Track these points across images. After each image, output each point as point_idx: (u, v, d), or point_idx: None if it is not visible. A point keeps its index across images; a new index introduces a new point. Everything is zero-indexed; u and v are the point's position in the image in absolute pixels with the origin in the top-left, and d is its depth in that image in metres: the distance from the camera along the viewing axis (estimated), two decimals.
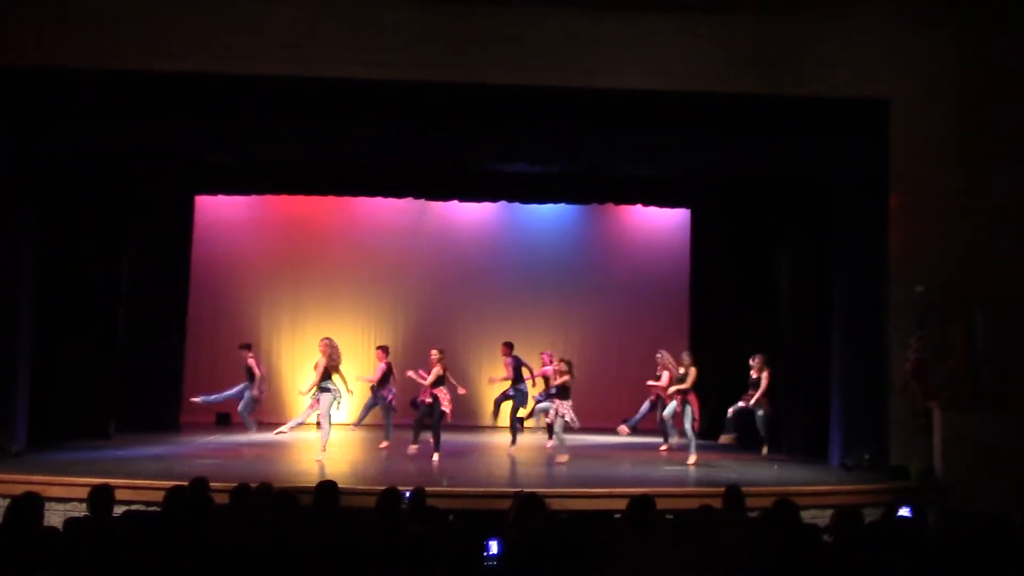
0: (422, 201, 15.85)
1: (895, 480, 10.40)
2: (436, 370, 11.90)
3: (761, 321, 14.15)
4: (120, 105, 11.27)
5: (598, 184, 14.73)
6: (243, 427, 13.24)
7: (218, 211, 15.81)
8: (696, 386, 12.09)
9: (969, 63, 11.17)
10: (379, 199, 15.76)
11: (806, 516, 7.35)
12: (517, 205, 15.95)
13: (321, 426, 11.45)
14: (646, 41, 11.17)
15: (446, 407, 11.80)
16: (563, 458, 11.54)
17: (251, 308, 16.09)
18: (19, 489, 6.11)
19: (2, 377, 11.02)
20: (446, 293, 16.32)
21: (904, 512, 6.46)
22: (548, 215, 16.40)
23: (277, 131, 11.74)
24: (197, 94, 11.24)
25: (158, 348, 14.50)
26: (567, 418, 11.66)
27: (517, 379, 13.22)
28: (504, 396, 13.20)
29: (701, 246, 15.70)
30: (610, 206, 16.24)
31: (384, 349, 12.85)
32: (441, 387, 11.88)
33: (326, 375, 11.48)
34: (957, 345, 10.67)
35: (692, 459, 11.57)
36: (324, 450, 11.37)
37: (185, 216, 15.20)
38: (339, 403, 11.71)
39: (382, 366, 12.59)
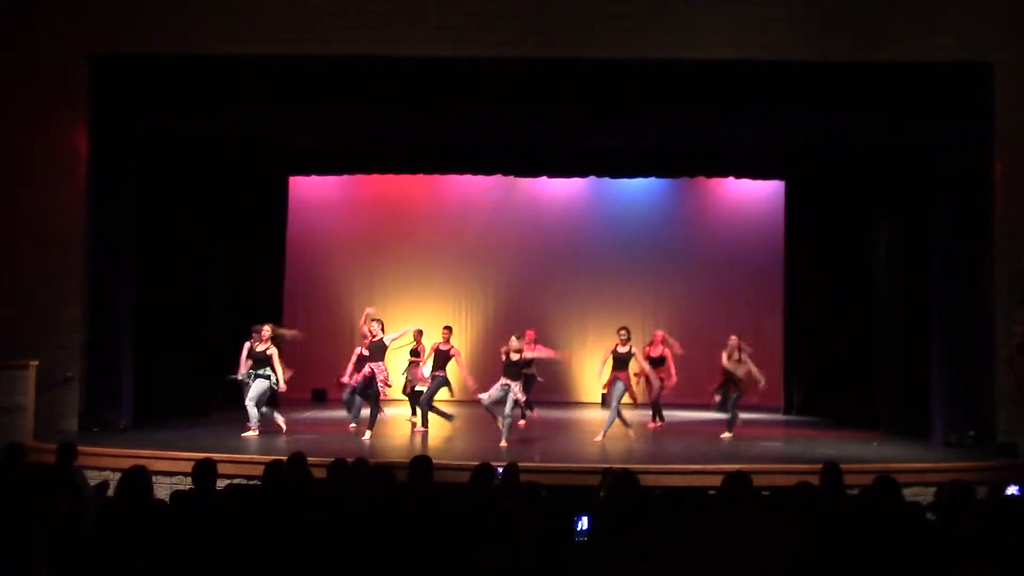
0: (510, 178, 15.83)
1: (1002, 457, 10.07)
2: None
3: (857, 294, 13.82)
4: (212, 89, 11.53)
5: (688, 157, 14.41)
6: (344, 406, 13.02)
7: (311, 192, 16.07)
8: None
9: None
10: (468, 177, 15.84)
11: (908, 494, 7.17)
12: (606, 180, 15.77)
13: (248, 410, 11.12)
14: (733, 10, 10.94)
15: (381, 383, 11.16)
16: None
17: (345, 286, 16.36)
18: (128, 463, 6.33)
19: (109, 357, 11.48)
20: (535, 269, 16.33)
21: (1012, 491, 6.25)
22: (638, 189, 16.23)
23: (365, 112, 11.86)
24: (286, 77, 11.44)
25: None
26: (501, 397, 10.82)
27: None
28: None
29: (795, 219, 15.30)
30: (701, 179, 15.98)
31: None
32: (379, 362, 11.27)
33: (264, 362, 11.27)
34: None
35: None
36: (255, 430, 11.05)
37: (279, 197, 15.45)
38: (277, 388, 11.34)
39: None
